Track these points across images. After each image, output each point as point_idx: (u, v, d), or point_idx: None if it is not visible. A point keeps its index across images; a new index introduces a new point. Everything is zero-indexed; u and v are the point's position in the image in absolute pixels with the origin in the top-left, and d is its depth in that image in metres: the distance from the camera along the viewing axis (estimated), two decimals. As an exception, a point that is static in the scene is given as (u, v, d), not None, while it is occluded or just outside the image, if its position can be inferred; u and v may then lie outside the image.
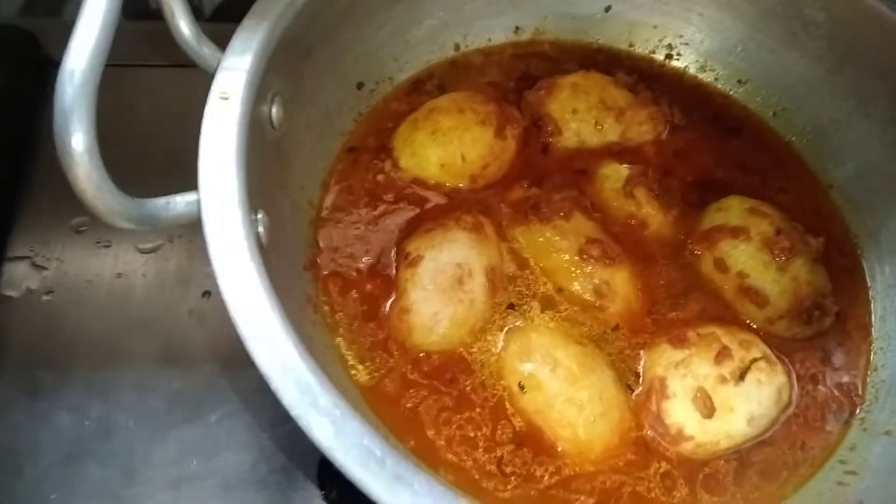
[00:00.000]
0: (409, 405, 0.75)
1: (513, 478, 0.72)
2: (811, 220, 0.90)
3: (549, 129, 0.92)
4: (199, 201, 0.62)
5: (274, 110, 0.75)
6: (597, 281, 0.82)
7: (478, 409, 0.75)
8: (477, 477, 0.72)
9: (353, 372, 0.76)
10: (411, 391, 0.75)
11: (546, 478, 0.72)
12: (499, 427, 0.74)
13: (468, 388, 0.76)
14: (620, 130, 0.94)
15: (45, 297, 0.92)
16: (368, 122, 0.93)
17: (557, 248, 0.83)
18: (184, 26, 0.71)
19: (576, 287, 0.82)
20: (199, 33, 0.72)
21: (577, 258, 0.82)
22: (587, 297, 0.81)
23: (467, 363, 0.77)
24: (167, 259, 0.95)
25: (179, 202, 0.62)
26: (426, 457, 0.71)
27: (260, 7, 0.73)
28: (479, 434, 0.74)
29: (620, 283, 0.82)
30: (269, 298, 0.59)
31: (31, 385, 0.86)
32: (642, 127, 0.95)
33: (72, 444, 0.83)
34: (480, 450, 0.73)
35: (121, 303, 0.92)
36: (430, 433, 0.73)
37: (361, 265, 0.82)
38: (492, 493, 0.71)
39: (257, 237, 0.64)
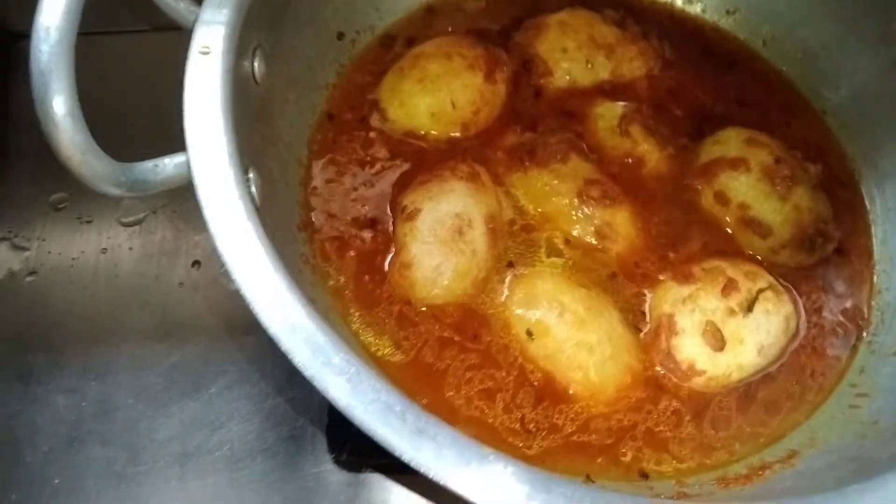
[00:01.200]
0: (442, 367, 0.73)
1: (538, 433, 0.71)
2: (809, 148, 0.89)
3: (540, 70, 0.89)
4: (188, 162, 0.59)
5: (256, 65, 0.71)
6: (598, 223, 0.80)
7: (504, 372, 0.74)
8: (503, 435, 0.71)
9: (380, 353, 0.74)
10: (446, 351, 0.74)
11: (567, 425, 0.72)
12: (521, 391, 0.73)
13: (494, 349, 0.74)
14: (611, 67, 0.91)
15: (28, 279, 0.89)
16: (348, 79, 0.89)
17: (557, 191, 0.81)
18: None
19: (577, 230, 0.80)
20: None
21: (576, 201, 0.80)
22: (589, 239, 0.80)
23: (485, 317, 0.75)
24: (152, 231, 0.92)
25: (168, 164, 0.59)
26: (445, 415, 0.70)
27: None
28: (500, 396, 0.73)
29: (622, 224, 0.81)
30: (271, 259, 0.56)
31: (23, 370, 0.84)
32: (633, 63, 0.92)
33: (72, 427, 0.81)
34: (502, 409, 0.72)
35: (109, 279, 0.90)
36: (450, 394, 0.72)
37: (357, 223, 0.79)
38: (520, 449, 0.70)
39: (251, 197, 0.61)
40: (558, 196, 0.81)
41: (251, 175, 0.64)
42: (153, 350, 0.86)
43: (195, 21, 0.65)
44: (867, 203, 0.88)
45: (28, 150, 0.94)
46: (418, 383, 0.72)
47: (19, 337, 0.86)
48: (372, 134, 0.85)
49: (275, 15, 0.75)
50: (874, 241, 0.86)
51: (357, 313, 0.75)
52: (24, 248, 0.90)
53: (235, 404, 0.83)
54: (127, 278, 0.90)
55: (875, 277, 0.84)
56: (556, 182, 0.81)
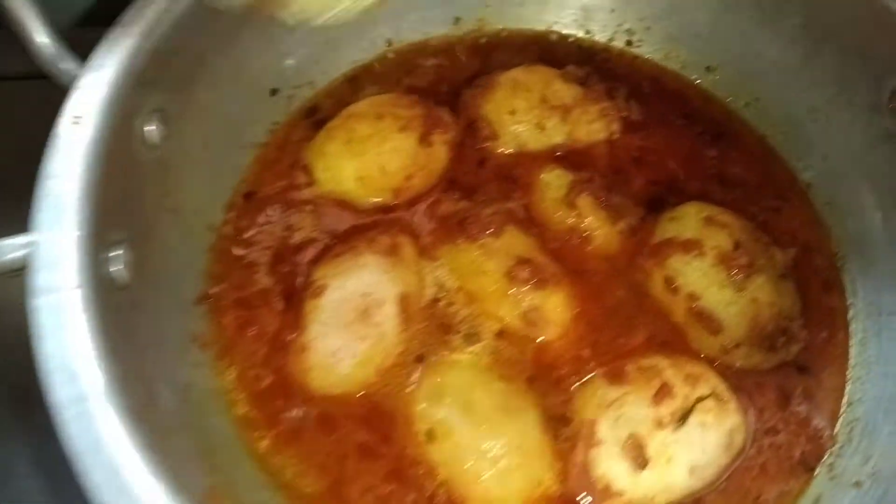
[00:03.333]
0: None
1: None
2: (784, 227, 0.79)
3: (484, 132, 0.82)
4: (32, 244, 0.55)
5: (153, 128, 0.67)
6: (526, 307, 0.72)
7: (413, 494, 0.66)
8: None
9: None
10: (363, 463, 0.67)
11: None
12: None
13: (406, 462, 0.67)
14: (567, 131, 0.83)
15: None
16: (279, 138, 0.84)
17: (483, 269, 0.73)
18: (39, 37, 0.64)
19: (503, 314, 0.72)
20: (59, 45, 0.64)
21: (504, 281, 0.72)
22: (515, 325, 0.72)
23: (390, 414, 0.68)
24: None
25: (10, 246, 0.55)
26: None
27: (129, 15, 0.66)
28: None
29: (554, 309, 0.72)
30: (99, 355, 0.51)
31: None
32: (593, 125, 0.83)
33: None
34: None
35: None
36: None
37: (264, 295, 0.74)
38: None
39: (106, 278, 0.57)
40: (484, 275, 0.73)
41: (119, 252, 0.60)
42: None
43: (72, 83, 0.62)
44: (847, 296, 0.77)
45: None
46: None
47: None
48: (297, 198, 0.79)
49: (183, 75, 0.71)
50: (851, 341, 0.74)
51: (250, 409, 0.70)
52: None
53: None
54: None
55: (847, 386, 0.72)
56: (483, 259, 0.74)
